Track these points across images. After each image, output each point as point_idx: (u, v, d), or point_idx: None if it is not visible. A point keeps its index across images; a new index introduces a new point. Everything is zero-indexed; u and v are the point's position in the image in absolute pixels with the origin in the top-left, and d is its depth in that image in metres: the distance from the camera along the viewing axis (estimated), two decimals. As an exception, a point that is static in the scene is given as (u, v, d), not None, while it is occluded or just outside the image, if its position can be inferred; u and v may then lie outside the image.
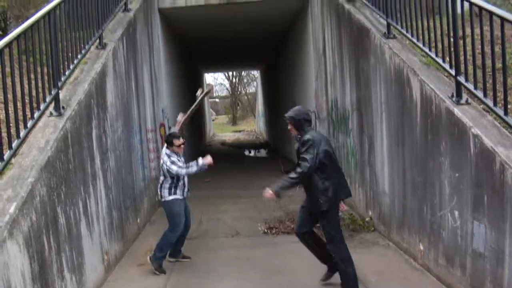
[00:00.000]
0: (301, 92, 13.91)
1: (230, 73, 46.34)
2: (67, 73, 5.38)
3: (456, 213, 4.68)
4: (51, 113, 4.85)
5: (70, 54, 5.58)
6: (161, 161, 6.05)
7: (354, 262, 5.40)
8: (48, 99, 4.78)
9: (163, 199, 6.07)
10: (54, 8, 5.00)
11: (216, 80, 54.57)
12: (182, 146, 6.12)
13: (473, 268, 4.41)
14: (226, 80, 49.91)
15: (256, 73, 40.95)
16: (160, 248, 5.98)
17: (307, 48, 12.30)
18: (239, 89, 50.23)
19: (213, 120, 45.48)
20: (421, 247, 5.57)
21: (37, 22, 4.62)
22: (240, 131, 41.25)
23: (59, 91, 5.00)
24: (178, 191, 6.04)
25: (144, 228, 7.99)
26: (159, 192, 6.11)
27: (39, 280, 3.83)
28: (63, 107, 4.96)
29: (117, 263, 6.20)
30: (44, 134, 4.52)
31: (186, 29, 14.41)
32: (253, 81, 47.22)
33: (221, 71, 41.78)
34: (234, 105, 50.77)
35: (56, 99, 4.90)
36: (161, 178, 6.10)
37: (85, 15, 6.18)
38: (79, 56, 5.81)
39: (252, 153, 22.99)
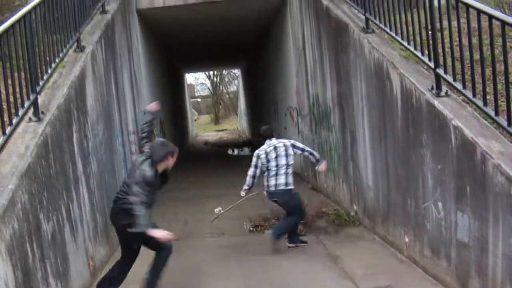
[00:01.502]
0: (283, 89, 13.94)
1: (211, 72, 46.21)
2: (45, 77, 5.29)
3: (440, 204, 4.73)
4: (30, 119, 4.77)
5: (47, 58, 5.50)
6: (288, 149, 6.48)
7: (341, 256, 5.37)
8: (26, 104, 4.69)
9: (290, 187, 6.49)
10: (29, 12, 4.91)
11: (197, 80, 54.45)
12: None
13: (458, 258, 4.45)
14: (207, 80, 49.84)
15: (237, 72, 40.89)
16: (281, 228, 6.55)
17: (287, 45, 12.31)
18: (221, 88, 50.14)
19: (195, 120, 45.33)
20: (406, 240, 5.61)
21: (12, 26, 4.54)
22: (222, 130, 41.22)
23: (38, 96, 4.92)
24: None
25: (129, 231, 7.92)
26: (287, 181, 6.46)
27: (24, 288, 3.78)
28: (42, 112, 4.88)
29: (103, 267, 6.14)
30: (24, 140, 4.45)
31: (165, 30, 14.34)
32: (234, 79, 47.19)
33: (202, 70, 41.65)
34: (216, 105, 50.68)
35: (34, 104, 4.82)
36: (290, 167, 6.50)
37: (62, 18, 6.09)
38: (57, 60, 5.72)
39: (236, 152, 22.97)
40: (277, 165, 6.40)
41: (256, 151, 6.65)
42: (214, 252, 6.65)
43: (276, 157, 6.42)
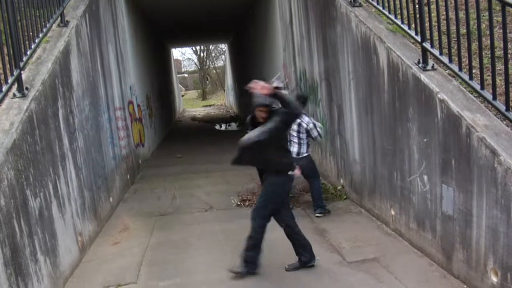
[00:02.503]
0: (270, 63, 13.86)
1: (198, 47, 45.81)
2: (28, 52, 5.22)
3: (425, 177, 4.78)
4: (14, 95, 4.71)
5: (31, 33, 5.41)
6: (306, 123, 6.69)
7: (328, 229, 5.37)
8: (10, 80, 4.63)
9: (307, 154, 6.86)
10: (11, -15, 4.81)
11: (183, 55, 53.92)
12: None
13: (443, 230, 4.52)
14: (194, 55, 49.48)
15: (224, 47, 40.55)
16: (318, 198, 6.81)
17: (274, 19, 12.20)
18: (208, 63, 49.80)
19: (182, 96, 45.07)
20: (393, 213, 5.67)
21: (-7, 0, 4.46)
22: (210, 106, 41.08)
23: (22, 72, 4.85)
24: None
25: (117, 207, 7.94)
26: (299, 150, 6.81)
27: (12, 265, 3.78)
28: (26, 88, 4.82)
29: (92, 243, 6.17)
30: (8, 116, 4.40)
31: (151, 5, 14.14)
32: (221, 54, 46.86)
33: (188, 45, 41.27)
34: (203, 80, 50.38)
35: (18, 80, 4.76)
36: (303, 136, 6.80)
37: (45, -8, 5.98)
38: (40, 35, 5.64)
39: (223, 127, 22.95)
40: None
41: None
42: (202, 226, 6.69)
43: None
